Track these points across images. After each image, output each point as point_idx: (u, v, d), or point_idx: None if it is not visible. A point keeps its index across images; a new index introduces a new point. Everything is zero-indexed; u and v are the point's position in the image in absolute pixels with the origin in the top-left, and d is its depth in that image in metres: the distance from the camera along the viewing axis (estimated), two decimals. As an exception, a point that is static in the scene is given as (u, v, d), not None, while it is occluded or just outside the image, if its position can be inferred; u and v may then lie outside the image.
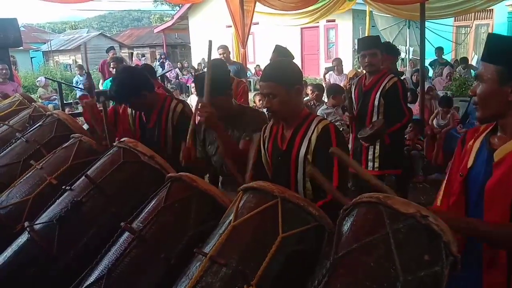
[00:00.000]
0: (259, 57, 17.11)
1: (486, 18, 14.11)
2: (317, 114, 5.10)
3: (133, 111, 2.87)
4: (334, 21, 16.27)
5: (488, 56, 1.44)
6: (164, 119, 2.74)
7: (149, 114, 2.80)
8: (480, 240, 1.47)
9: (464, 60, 10.84)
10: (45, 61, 25.00)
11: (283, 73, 1.98)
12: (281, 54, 4.04)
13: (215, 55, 5.52)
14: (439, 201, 1.68)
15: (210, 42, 2.36)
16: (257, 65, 16.08)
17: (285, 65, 2.06)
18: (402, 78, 4.85)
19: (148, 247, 1.58)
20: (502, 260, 1.44)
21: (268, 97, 1.96)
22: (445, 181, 1.70)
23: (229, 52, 5.94)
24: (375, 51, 3.47)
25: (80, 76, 12.32)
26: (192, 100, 6.74)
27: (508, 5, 12.52)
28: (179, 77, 16.01)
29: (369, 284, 1.10)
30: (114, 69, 6.06)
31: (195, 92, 7.10)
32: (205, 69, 2.46)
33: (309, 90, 6.19)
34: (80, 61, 22.88)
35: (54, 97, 10.94)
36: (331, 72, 9.03)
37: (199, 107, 2.26)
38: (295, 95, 2.00)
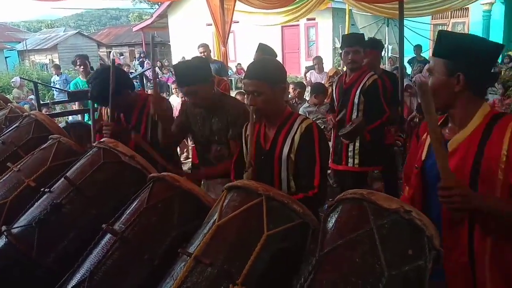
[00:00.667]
0: (240, 55, 17.10)
1: (462, 17, 14.43)
2: (299, 112, 5.14)
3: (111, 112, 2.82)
4: (314, 19, 16.36)
5: (437, 51, 1.55)
6: (145, 118, 2.71)
7: (129, 114, 2.76)
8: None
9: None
10: (20, 61, 24.39)
11: (268, 71, 1.98)
12: (265, 52, 4.04)
13: (196, 53, 5.47)
14: (405, 191, 1.76)
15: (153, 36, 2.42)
16: (238, 64, 16.07)
17: (269, 63, 2.07)
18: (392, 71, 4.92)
19: (131, 248, 1.55)
20: (463, 240, 1.50)
21: (252, 95, 1.96)
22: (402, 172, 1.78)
23: (210, 50, 5.90)
24: (358, 49, 3.48)
25: (57, 76, 12.06)
26: (172, 100, 6.68)
27: (483, 4, 12.83)
28: (159, 76, 15.86)
29: (354, 280, 1.11)
30: (81, 67, 5.93)
31: (176, 93, 7.05)
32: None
33: (291, 88, 6.22)
34: (57, 61, 22.39)
35: (30, 97, 10.70)
36: (312, 70, 9.09)
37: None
38: (279, 93, 2.00)
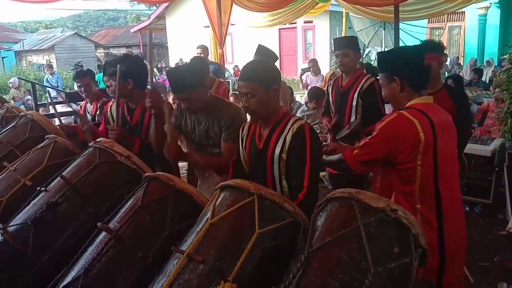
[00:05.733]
0: (237, 57, 17.13)
1: (459, 20, 14.54)
2: (297, 114, 5.17)
3: (115, 113, 2.85)
4: (311, 22, 16.43)
5: (379, 68, 2.06)
6: (147, 118, 2.74)
7: (132, 111, 2.80)
8: None
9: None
10: (17, 61, 24.34)
11: (261, 73, 2.01)
12: (265, 55, 4.04)
13: (193, 55, 5.47)
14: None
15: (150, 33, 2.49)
16: (235, 66, 16.07)
17: (263, 65, 2.10)
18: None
19: (125, 246, 1.58)
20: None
21: (246, 96, 1.99)
22: None
23: (208, 52, 5.89)
24: (347, 52, 3.47)
25: (50, 74, 12.07)
26: (170, 99, 6.70)
27: (479, 8, 12.93)
28: (157, 78, 15.86)
29: (341, 276, 1.14)
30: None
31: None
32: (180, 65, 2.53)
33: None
34: (54, 61, 22.36)
35: (27, 98, 10.70)
36: (307, 73, 9.10)
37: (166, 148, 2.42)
38: (273, 95, 2.03)
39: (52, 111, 7.06)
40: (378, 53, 2.11)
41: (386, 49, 13.30)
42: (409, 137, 1.82)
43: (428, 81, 2.03)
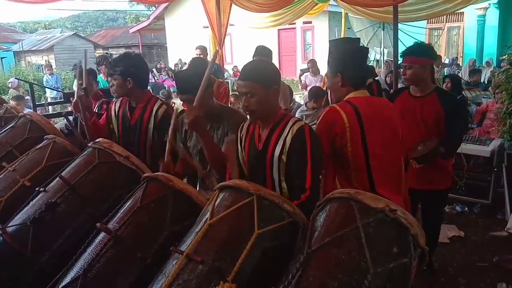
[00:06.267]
0: (236, 58, 17.14)
1: (457, 21, 14.56)
2: (296, 114, 5.16)
3: (117, 111, 2.86)
4: (310, 22, 16.45)
5: (329, 60, 2.32)
6: (146, 119, 2.73)
7: (132, 111, 2.79)
8: None
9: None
10: (16, 62, 24.31)
11: (260, 72, 2.00)
12: (260, 54, 4.06)
13: (192, 55, 5.46)
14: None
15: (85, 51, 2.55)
16: (234, 66, 16.08)
17: (262, 64, 2.09)
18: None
19: (124, 247, 1.58)
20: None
21: (246, 96, 1.98)
22: None
23: (207, 53, 5.87)
24: None
25: (50, 75, 12.08)
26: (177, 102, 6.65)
27: (478, 9, 12.95)
28: (156, 78, 15.87)
29: (340, 277, 1.14)
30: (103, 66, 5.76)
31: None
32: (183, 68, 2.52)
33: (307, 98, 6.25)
34: (53, 62, 22.33)
35: (27, 98, 10.69)
36: (306, 73, 9.10)
37: (188, 110, 2.27)
38: (273, 95, 2.02)
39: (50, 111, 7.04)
40: (330, 47, 2.52)
41: (385, 50, 13.41)
42: (336, 126, 2.10)
43: (366, 80, 2.38)
